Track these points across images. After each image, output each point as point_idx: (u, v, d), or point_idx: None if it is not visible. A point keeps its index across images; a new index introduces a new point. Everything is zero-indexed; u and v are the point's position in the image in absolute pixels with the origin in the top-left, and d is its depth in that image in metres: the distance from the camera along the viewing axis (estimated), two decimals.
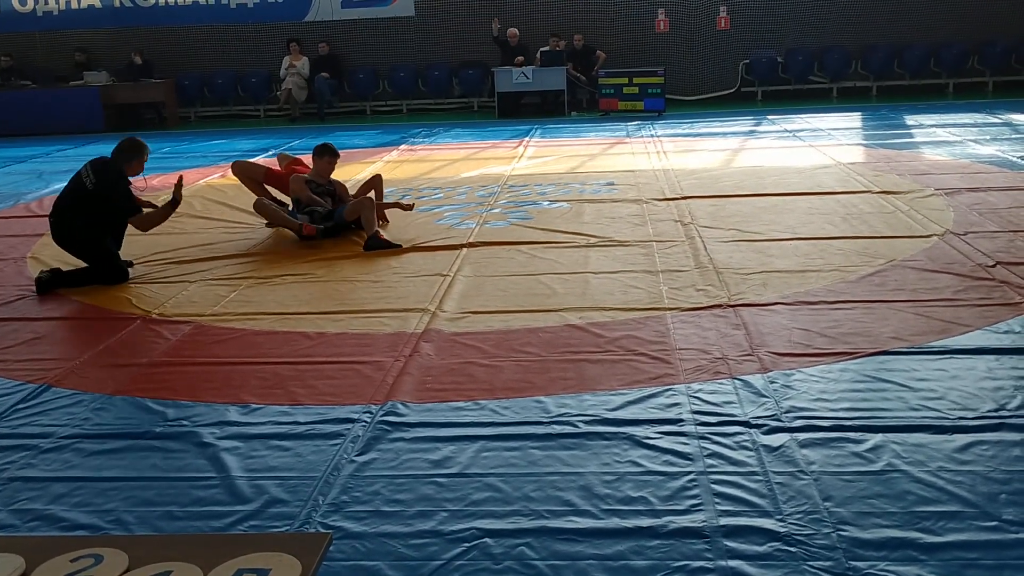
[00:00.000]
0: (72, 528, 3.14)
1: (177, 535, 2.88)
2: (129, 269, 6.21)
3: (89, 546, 1.78)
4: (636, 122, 13.78)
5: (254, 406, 4.04)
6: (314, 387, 4.23)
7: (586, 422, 3.73)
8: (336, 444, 3.63)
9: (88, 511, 3.23)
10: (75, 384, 4.38)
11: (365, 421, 3.81)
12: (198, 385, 4.34)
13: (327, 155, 7.24)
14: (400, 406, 3.95)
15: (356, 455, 3.54)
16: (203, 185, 9.74)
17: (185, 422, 3.91)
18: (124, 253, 6.40)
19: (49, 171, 11.19)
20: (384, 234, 6.87)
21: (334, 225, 7.02)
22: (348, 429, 3.75)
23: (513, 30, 15.90)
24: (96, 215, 6.03)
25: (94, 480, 3.45)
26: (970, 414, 3.65)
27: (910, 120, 12.57)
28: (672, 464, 3.37)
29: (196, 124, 16.76)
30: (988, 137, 10.62)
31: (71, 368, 4.58)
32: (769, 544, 2.85)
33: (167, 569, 1.68)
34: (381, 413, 3.88)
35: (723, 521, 2.98)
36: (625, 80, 14.79)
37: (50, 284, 5.93)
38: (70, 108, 15.56)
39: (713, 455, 3.41)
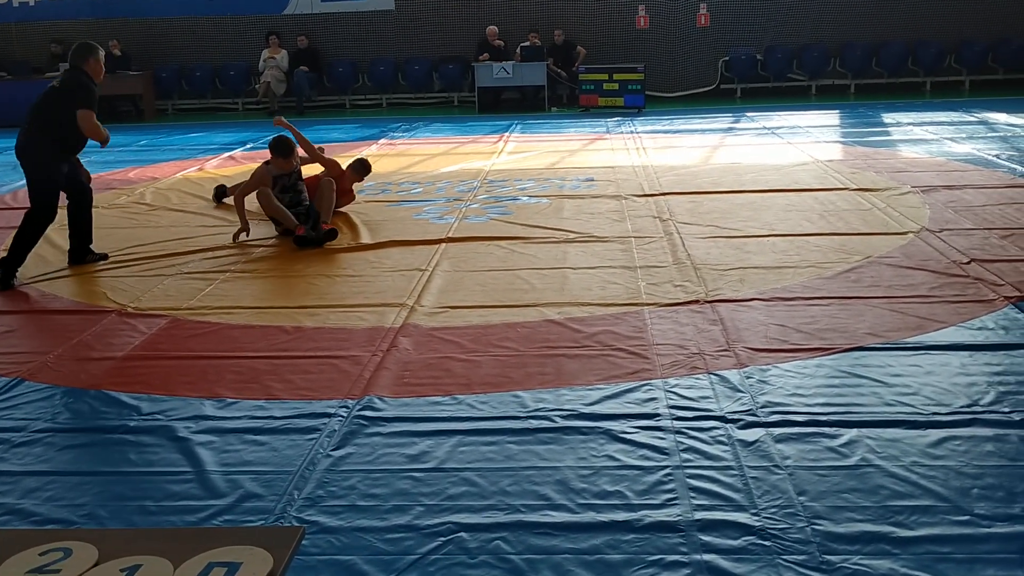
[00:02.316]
0: (44, 522, 3.11)
1: (147, 529, 2.86)
2: (102, 259, 6.17)
3: (58, 539, 1.76)
4: (616, 118, 13.80)
5: (229, 400, 4.02)
6: (291, 381, 4.20)
7: (563, 417, 3.73)
8: (312, 439, 3.62)
9: (60, 505, 3.20)
10: (48, 378, 4.34)
11: (342, 416, 3.80)
12: (173, 379, 4.31)
13: (277, 156, 6.92)
14: (377, 400, 3.93)
15: (332, 450, 3.52)
16: (180, 178, 9.67)
17: (159, 416, 3.88)
18: (99, 246, 6.36)
19: None
20: (329, 223, 6.81)
21: (315, 222, 6.91)
22: (324, 423, 3.73)
23: (492, 28, 15.87)
24: (56, 119, 5.90)
25: (67, 474, 3.42)
26: (944, 409, 3.68)
27: (887, 118, 12.65)
28: (648, 458, 3.37)
29: (173, 117, 16.63)
30: (964, 135, 10.70)
31: (44, 362, 4.53)
32: (744, 538, 2.86)
33: (137, 563, 1.67)
34: (358, 408, 3.86)
35: (698, 515, 2.99)
36: (605, 76, 14.81)
37: (6, 278, 5.82)
38: None
39: (689, 450, 3.42)
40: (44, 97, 6.08)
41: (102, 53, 6.28)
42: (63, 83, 6.06)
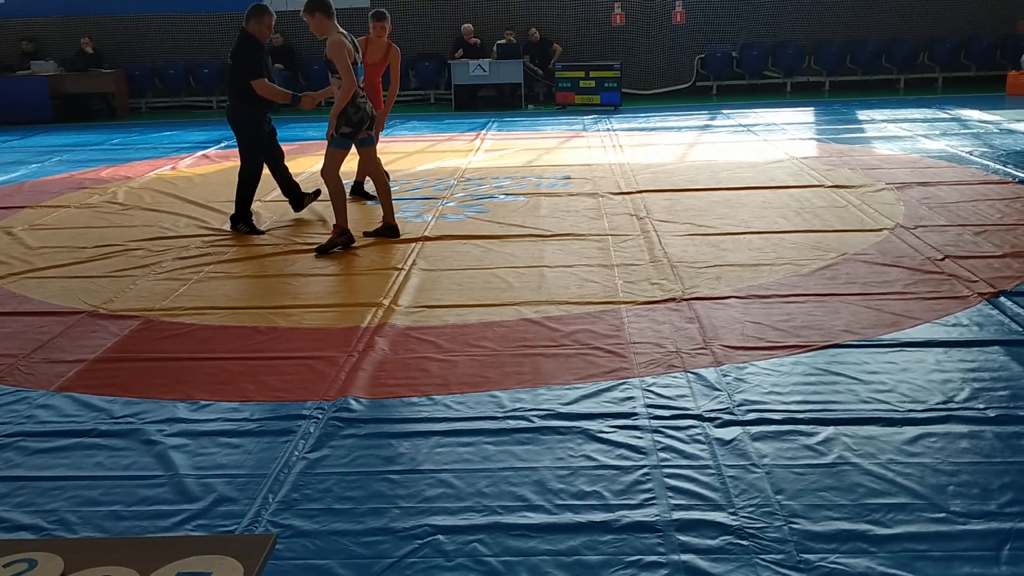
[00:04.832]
0: (13, 529, 3.05)
1: (115, 538, 2.82)
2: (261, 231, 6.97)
3: (24, 550, 1.72)
4: (593, 116, 13.80)
5: (203, 403, 3.97)
6: (265, 383, 4.16)
7: (540, 416, 3.71)
8: (287, 441, 3.58)
9: (30, 511, 3.15)
10: (18, 381, 4.27)
11: (317, 417, 3.76)
12: (146, 381, 4.25)
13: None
14: (353, 402, 3.90)
15: (307, 452, 3.49)
16: (153, 177, 9.58)
17: (132, 419, 3.83)
18: (71, 245, 6.29)
19: None
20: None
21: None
22: (299, 426, 3.70)
23: (467, 26, 15.83)
24: (237, 83, 6.70)
25: (37, 479, 3.36)
26: (919, 407, 3.69)
27: (862, 115, 12.72)
28: (626, 458, 3.36)
29: (147, 115, 16.48)
30: (938, 132, 10.77)
31: (14, 364, 4.46)
32: (721, 538, 2.85)
33: (104, 574, 1.63)
34: (333, 409, 3.83)
35: (676, 515, 2.98)
36: (582, 74, 14.80)
37: (251, 228, 6.93)
38: (17, 98, 15.23)
39: (666, 449, 3.42)
40: (229, 75, 6.90)
41: (268, 17, 6.73)
42: (232, 52, 6.72)
